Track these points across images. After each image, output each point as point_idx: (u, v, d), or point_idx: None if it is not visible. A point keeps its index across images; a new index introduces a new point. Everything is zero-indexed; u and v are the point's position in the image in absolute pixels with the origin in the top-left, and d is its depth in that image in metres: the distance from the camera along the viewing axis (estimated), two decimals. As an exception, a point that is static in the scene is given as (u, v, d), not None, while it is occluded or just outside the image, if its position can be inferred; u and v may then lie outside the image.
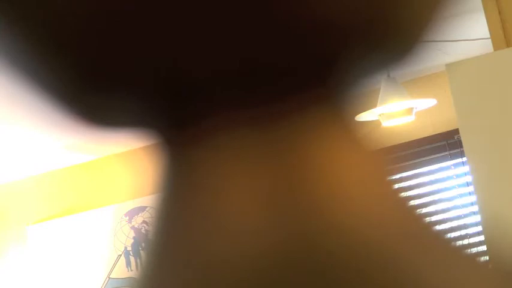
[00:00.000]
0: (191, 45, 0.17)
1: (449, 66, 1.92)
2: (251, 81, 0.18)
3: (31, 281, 4.25)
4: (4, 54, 0.19)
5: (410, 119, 2.91)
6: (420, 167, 3.96)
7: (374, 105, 2.80)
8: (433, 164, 3.96)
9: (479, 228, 3.85)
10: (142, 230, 4.15)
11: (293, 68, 0.18)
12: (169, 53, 0.17)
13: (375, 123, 2.98)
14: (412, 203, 0.20)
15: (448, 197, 3.95)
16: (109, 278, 4.20)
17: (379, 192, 0.19)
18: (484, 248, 3.74)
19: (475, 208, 3.80)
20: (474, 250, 3.73)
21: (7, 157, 3.81)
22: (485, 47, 2.67)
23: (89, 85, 0.18)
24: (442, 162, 3.96)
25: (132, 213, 4.16)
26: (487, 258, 0.20)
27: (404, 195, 0.20)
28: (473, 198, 3.82)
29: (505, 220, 1.84)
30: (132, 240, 4.18)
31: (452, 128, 3.82)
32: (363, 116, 2.84)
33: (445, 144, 3.93)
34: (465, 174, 3.91)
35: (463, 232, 3.91)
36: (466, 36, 3.23)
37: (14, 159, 3.87)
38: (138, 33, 0.17)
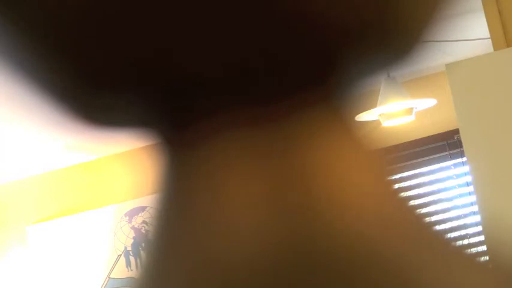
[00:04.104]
0: (191, 45, 0.17)
1: (449, 66, 1.92)
2: (251, 81, 0.18)
3: (31, 281, 4.25)
4: (4, 54, 0.19)
5: (410, 119, 2.91)
6: (420, 167, 3.97)
7: (374, 105, 2.80)
8: (433, 164, 3.96)
9: (479, 228, 3.85)
10: (142, 230, 4.15)
11: (293, 68, 0.18)
12: (170, 53, 0.17)
13: (375, 123, 2.98)
14: (412, 203, 0.20)
15: (448, 197, 3.95)
16: (109, 278, 4.20)
17: (379, 192, 0.19)
18: (484, 248, 3.74)
19: (475, 208, 3.80)
20: (474, 250, 3.73)
21: (7, 157, 3.81)
22: (485, 47, 2.67)
23: (89, 85, 0.18)
24: (442, 162, 3.96)
25: (132, 213, 4.16)
26: (487, 258, 0.20)
27: (404, 195, 0.20)
28: (473, 198, 3.82)
29: (505, 220, 1.84)
30: (132, 240, 4.18)
31: (452, 128, 3.82)
32: (363, 116, 2.84)
33: (445, 144, 3.93)
34: (465, 174, 3.91)
35: (463, 232, 3.91)
36: (466, 36, 3.23)
37: (14, 159, 3.87)
38: (139, 33, 0.17)
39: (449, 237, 0.19)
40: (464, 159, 3.66)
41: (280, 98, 0.19)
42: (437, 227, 0.20)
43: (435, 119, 3.89)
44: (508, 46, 2.09)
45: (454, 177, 3.96)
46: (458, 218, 3.93)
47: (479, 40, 3.15)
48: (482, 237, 3.82)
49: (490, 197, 1.86)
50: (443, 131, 3.91)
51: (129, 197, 4.18)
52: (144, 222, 4.14)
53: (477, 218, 3.87)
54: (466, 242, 3.85)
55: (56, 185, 4.27)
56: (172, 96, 0.18)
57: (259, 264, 0.17)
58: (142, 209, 4.15)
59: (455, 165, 3.94)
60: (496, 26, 2.11)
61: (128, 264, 4.18)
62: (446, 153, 3.94)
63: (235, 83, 0.18)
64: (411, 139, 3.96)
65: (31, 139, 3.57)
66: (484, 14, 2.15)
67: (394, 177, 0.20)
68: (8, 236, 4.31)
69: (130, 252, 4.18)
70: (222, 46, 0.17)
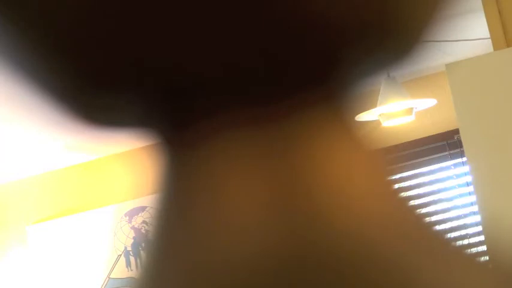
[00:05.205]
0: (191, 45, 0.17)
1: (449, 66, 1.92)
2: (251, 81, 0.18)
3: (31, 281, 4.25)
4: (4, 54, 0.19)
5: (410, 119, 2.91)
6: (420, 167, 3.97)
7: (374, 105, 2.80)
8: (433, 164, 3.96)
9: (479, 228, 3.85)
10: (142, 230, 4.15)
11: (293, 68, 0.18)
12: (170, 53, 0.17)
13: (375, 123, 2.98)
14: (412, 203, 0.20)
15: (448, 197, 3.95)
16: (109, 278, 4.20)
17: (379, 192, 0.19)
18: (484, 248, 3.74)
19: (475, 208, 3.80)
20: (474, 250, 3.73)
21: (7, 157, 3.81)
22: (485, 47, 2.67)
23: (89, 85, 0.18)
24: (442, 162, 3.96)
25: (132, 213, 4.16)
26: (487, 258, 0.20)
27: (404, 195, 0.20)
28: (473, 198, 3.82)
29: (505, 220, 1.84)
30: (132, 240, 4.18)
31: (452, 128, 3.82)
32: (363, 116, 2.84)
33: (445, 144, 3.93)
34: (465, 174, 3.91)
35: (463, 232, 3.91)
36: (466, 36, 3.23)
37: (14, 159, 3.87)
38: (138, 33, 0.17)
39: (449, 237, 0.19)
40: (464, 159, 3.66)
41: (280, 98, 0.19)
42: (437, 227, 0.20)
43: (435, 119, 3.89)
44: (508, 46, 2.09)
45: (454, 177, 3.96)
46: (458, 218, 3.93)
47: (479, 40, 3.15)
48: (482, 237, 3.82)
49: (490, 197, 1.86)
50: (443, 131, 3.91)
51: (129, 197, 4.18)
52: (144, 222, 4.14)
53: (477, 218, 3.87)
54: (466, 242, 3.85)
55: (56, 185, 4.26)
56: (172, 96, 0.18)
57: (259, 264, 0.17)
58: (142, 209, 4.15)
59: (455, 165, 3.94)
60: (496, 26, 2.11)
61: (128, 264, 4.18)
62: (446, 153, 3.94)
63: (235, 83, 0.18)
64: (411, 139, 3.96)
65: (31, 139, 3.57)
66: (484, 14, 2.15)
67: (394, 177, 0.20)
68: (8, 236, 4.31)
69: (131, 252, 4.18)
70: (222, 46, 0.17)
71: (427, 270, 0.17)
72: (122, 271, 4.18)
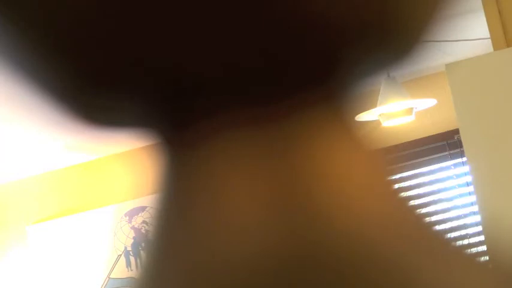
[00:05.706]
0: (191, 45, 0.17)
1: (449, 66, 1.92)
2: (251, 81, 0.18)
3: (31, 281, 4.25)
4: (4, 54, 0.19)
5: (410, 119, 2.91)
6: (420, 167, 3.97)
7: (374, 105, 2.80)
8: (433, 164, 3.96)
9: (479, 228, 3.85)
10: (142, 230, 4.15)
11: (293, 68, 0.18)
12: (170, 53, 0.17)
13: (375, 123, 2.98)
14: (412, 203, 0.20)
15: (448, 197, 3.95)
16: (109, 278, 4.20)
17: (379, 192, 0.19)
18: (484, 248, 3.74)
19: (475, 208, 3.80)
20: (474, 250, 3.73)
21: (7, 157, 3.81)
22: (485, 47, 2.67)
23: (89, 85, 0.18)
24: (442, 162, 3.96)
25: (132, 213, 4.16)
26: (487, 258, 0.20)
27: (404, 195, 0.20)
28: (473, 198, 3.83)
29: (505, 220, 1.84)
30: (132, 240, 4.18)
31: (452, 128, 3.82)
32: (363, 116, 2.84)
33: (445, 144, 3.93)
34: (465, 174, 3.91)
35: (463, 232, 3.91)
36: (466, 36, 3.23)
37: (14, 159, 3.87)
38: (139, 33, 0.17)
39: (449, 237, 0.19)
40: (464, 159, 3.66)
41: (280, 98, 0.19)
42: (437, 227, 0.20)
43: (435, 119, 3.89)
44: (508, 46, 2.09)
45: (454, 177, 3.96)
46: (458, 218, 3.93)
47: (479, 40, 3.15)
48: (482, 237, 3.82)
49: (490, 197, 1.86)
50: (443, 131, 3.91)
51: (129, 197, 4.18)
52: (144, 222, 4.14)
53: (477, 218, 3.87)
54: (466, 242, 3.86)
55: (56, 185, 4.26)
56: (172, 96, 0.18)
57: (259, 264, 0.17)
58: (142, 209, 4.15)
59: (455, 165, 3.94)
60: (496, 26, 2.11)
61: (128, 264, 4.18)
62: (446, 153, 3.94)
63: (235, 83, 0.18)
64: (411, 139, 3.96)
65: (31, 139, 3.57)
66: (484, 14, 2.15)
67: (394, 177, 0.20)
68: (8, 236, 4.31)
69: (131, 252, 4.18)
70: (222, 46, 0.17)
71: (427, 270, 0.17)
72: (122, 271, 4.18)
